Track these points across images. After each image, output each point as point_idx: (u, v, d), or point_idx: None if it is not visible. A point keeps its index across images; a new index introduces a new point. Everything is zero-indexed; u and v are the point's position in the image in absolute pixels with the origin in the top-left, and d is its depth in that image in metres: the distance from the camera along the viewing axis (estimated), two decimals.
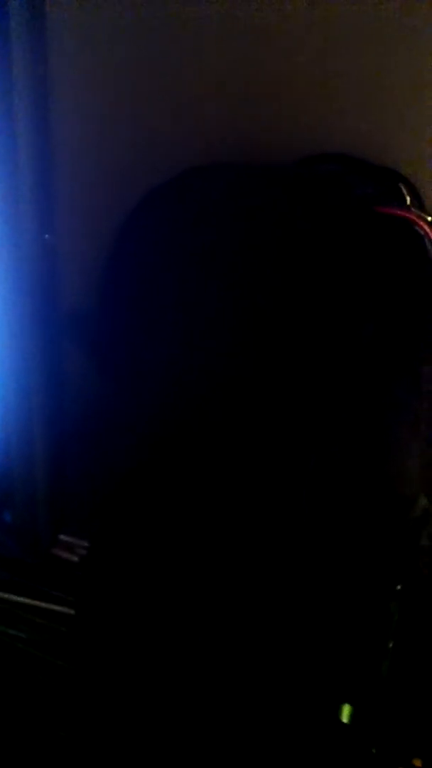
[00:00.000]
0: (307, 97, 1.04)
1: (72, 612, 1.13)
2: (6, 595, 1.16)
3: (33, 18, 1.01)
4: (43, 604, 1.15)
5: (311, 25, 1.01)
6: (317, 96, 1.04)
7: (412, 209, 0.96)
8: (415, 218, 0.93)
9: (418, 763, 0.96)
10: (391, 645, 0.92)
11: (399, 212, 0.93)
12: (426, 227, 0.93)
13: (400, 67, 1.02)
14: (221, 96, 1.05)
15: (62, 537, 1.19)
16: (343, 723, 0.90)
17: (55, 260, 1.13)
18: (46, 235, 1.10)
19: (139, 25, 1.02)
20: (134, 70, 1.05)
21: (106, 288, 1.06)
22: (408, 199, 0.97)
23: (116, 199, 1.04)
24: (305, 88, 1.04)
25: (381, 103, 1.04)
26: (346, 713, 0.90)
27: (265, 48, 1.02)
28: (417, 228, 0.92)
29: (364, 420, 0.86)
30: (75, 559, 1.17)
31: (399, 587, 0.91)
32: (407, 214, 0.93)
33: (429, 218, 0.95)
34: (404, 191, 0.97)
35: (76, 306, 1.13)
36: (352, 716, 0.90)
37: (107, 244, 1.06)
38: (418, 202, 0.98)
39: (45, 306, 1.13)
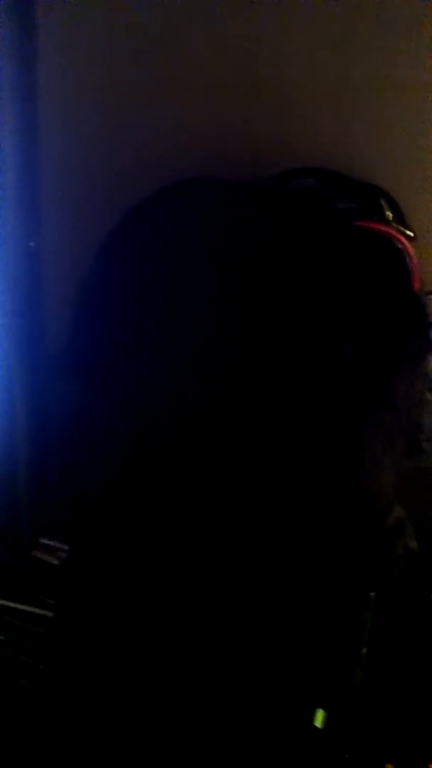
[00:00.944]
0: (288, 110, 1.05)
1: (51, 615, 1.13)
2: None
3: (22, 27, 1.01)
4: (23, 607, 1.15)
5: (294, 37, 1.03)
6: (298, 109, 1.05)
7: (392, 224, 0.97)
8: (394, 233, 0.95)
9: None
10: (364, 651, 0.93)
11: (379, 227, 0.94)
12: (405, 242, 0.94)
13: (381, 80, 1.03)
14: (203, 110, 1.06)
15: (43, 540, 1.19)
16: (316, 728, 0.91)
17: (39, 268, 1.14)
18: (31, 243, 1.11)
19: (125, 43, 1.04)
20: (120, 85, 1.06)
21: (90, 299, 1.07)
22: (389, 214, 0.97)
23: (101, 212, 1.05)
24: (284, 101, 1.05)
25: (362, 116, 1.05)
26: (319, 718, 0.92)
27: (248, 63, 1.04)
28: (396, 243, 0.93)
29: (341, 436, 0.87)
30: (55, 562, 1.18)
31: (372, 595, 0.93)
32: (387, 229, 0.95)
33: (409, 233, 0.97)
34: (384, 206, 0.98)
35: (60, 314, 1.13)
36: (326, 721, 0.92)
37: (92, 257, 1.06)
38: (398, 216, 0.99)
39: (28, 312, 1.13)
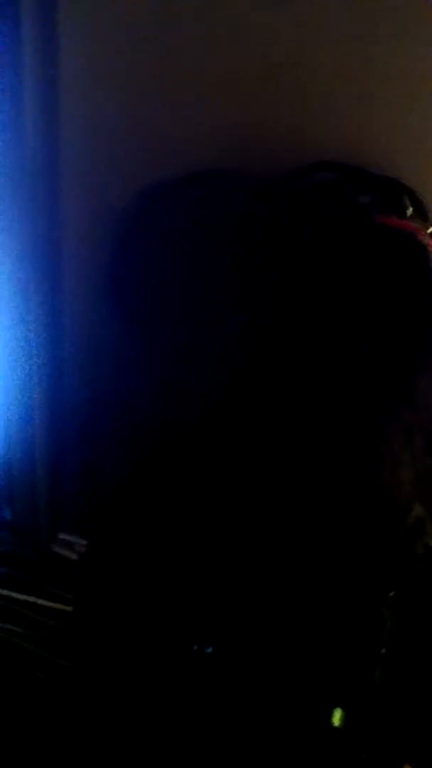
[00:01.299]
0: (309, 102, 1.04)
1: (69, 609, 1.13)
2: (5, 592, 1.17)
3: (45, 24, 1.02)
4: (42, 601, 1.15)
5: (314, 29, 1.02)
6: (319, 102, 1.04)
7: (414, 219, 0.96)
8: (416, 228, 0.94)
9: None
10: (383, 651, 0.92)
11: (399, 222, 0.93)
12: (427, 238, 0.93)
13: (402, 74, 1.02)
14: (221, 101, 1.05)
15: (62, 535, 1.19)
16: (334, 727, 0.91)
17: (60, 256, 1.14)
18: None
19: (144, 41, 1.04)
20: (139, 79, 1.06)
21: (110, 285, 1.07)
22: (410, 209, 0.97)
23: (120, 199, 1.06)
24: (306, 92, 1.04)
25: (385, 111, 1.04)
26: (337, 718, 0.91)
27: (265, 54, 1.03)
28: (418, 238, 0.92)
29: (359, 432, 0.86)
30: (74, 556, 1.18)
31: (391, 594, 0.92)
32: (408, 225, 0.94)
33: (430, 229, 0.96)
34: (406, 201, 0.97)
35: (79, 302, 1.13)
36: (344, 721, 0.91)
37: (112, 243, 1.06)
38: (421, 212, 0.98)
39: (46, 303, 1.13)
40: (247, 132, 1.05)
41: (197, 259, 0.97)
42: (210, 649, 0.95)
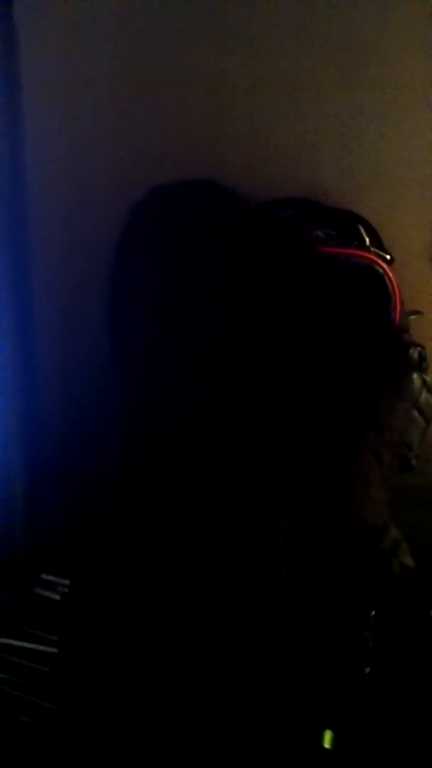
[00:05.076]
0: (268, 138, 1.09)
1: (53, 651, 1.13)
2: None
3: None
4: (26, 644, 1.15)
5: (270, 72, 1.07)
6: (278, 138, 1.09)
7: (371, 249, 0.99)
8: (373, 258, 0.97)
9: None
10: (367, 670, 0.94)
11: (356, 253, 0.97)
12: (384, 266, 0.97)
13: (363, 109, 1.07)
14: (191, 132, 1.10)
15: (44, 576, 1.19)
16: (325, 748, 0.92)
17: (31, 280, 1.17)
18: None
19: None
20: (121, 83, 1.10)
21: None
22: (367, 239, 1.00)
23: (108, 209, 1.10)
24: (265, 129, 1.09)
25: (342, 144, 1.09)
26: (327, 739, 0.92)
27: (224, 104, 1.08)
28: (376, 268, 0.95)
29: (328, 457, 0.89)
30: (56, 597, 1.18)
31: (372, 614, 0.94)
32: (366, 255, 0.97)
33: (387, 257, 1.00)
34: (362, 232, 1.01)
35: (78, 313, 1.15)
36: (334, 741, 0.92)
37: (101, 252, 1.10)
38: (376, 240, 1.02)
39: (20, 345, 1.15)
40: (214, 164, 1.10)
41: (172, 285, 1.00)
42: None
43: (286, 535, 0.88)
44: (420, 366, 0.96)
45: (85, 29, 1.09)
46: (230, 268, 0.99)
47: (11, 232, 1.12)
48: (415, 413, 0.93)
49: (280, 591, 0.90)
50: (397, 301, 0.95)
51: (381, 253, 0.98)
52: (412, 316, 1.00)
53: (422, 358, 0.97)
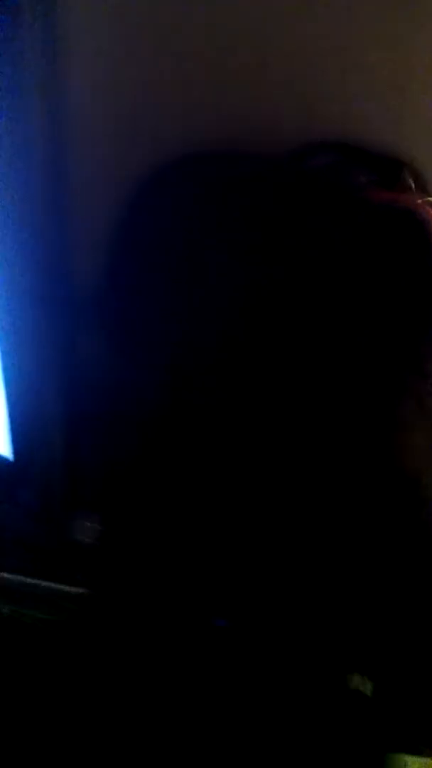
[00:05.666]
0: (309, 79, 1.05)
1: (85, 592, 1.15)
2: (21, 578, 1.18)
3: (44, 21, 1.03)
4: (59, 586, 1.17)
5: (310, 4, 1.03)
6: (318, 79, 1.05)
7: (414, 193, 0.98)
8: (416, 203, 0.95)
9: None
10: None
11: (399, 198, 0.95)
12: (428, 210, 0.95)
13: (403, 50, 1.03)
14: (220, 78, 1.06)
15: (78, 519, 1.21)
16: (358, 692, 0.93)
17: (65, 239, 1.14)
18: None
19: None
20: (138, 59, 1.06)
21: (114, 265, 1.07)
22: (411, 184, 0.98)
23: (121, 179, 1.06)
24: (305, 70, 1.05)
25: (384, 88, 1.06)
26: (358, 683, 0.93)
27: (263, 29, 1.03)
28: (418, 213, 0.94)
29: (372, 403, 0.88)
30: (89, 540, 1.19)
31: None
32: (408, 199, 0.95)
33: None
34: (407, 176, 0.99)
35: (86, 285, 1.13)
36: (361, 685, 0.93)
37: (115, 224, 1.07)
38: (422, 186, 1.00)
39: (55, 287, 1.14)
40: (247, 113, 1.06)
41: (200, 246, 0.98)
42: (223, 623, 0.97)
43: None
44: None
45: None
46: (262, 221, 0.96)
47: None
48: None
49: (321, 535, 0.91)
50: None
51: (426, 197, 0.97)
52: None
53: None
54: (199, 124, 1.07)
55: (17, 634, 1.12)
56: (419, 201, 0.95)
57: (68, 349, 1.16)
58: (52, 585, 1.18)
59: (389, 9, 1.01)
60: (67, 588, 1.17)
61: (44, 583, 1.18)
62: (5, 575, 1.17)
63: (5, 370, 1.14)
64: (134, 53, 1.06)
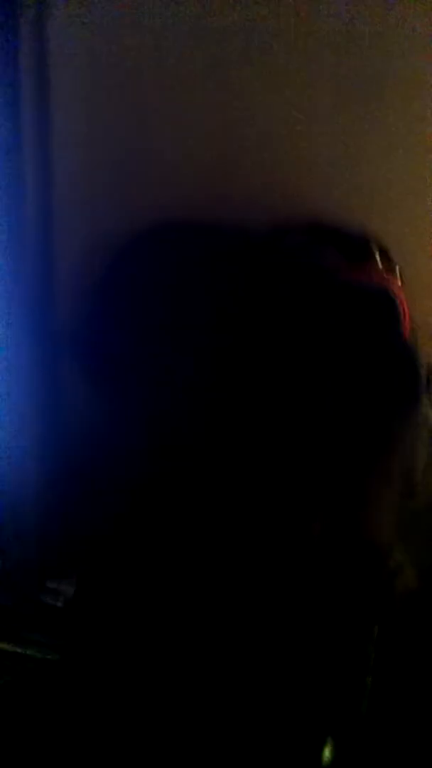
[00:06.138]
0: (284, 165, 1.10)
1: (57, 658, 1.14)
2: None
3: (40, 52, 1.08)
4: (30, 651, 1.16)
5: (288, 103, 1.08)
6: (292, 165, 1.10)
7: (383, 272, 1.01)
8: (386, 282, 0.98)
9: None
10: (369, 683, 0.96)
11: (370, 277, 0.98)
12: (395, 289, 0.98)
13: (365, 141, 1.09)
14: (203, 155, 1.10)
15: (49, 583, 1.20)
16: (324, 761, 0.94)
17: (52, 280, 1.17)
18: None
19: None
20: (123, 130, 1.10)
21: (98, 310, 1.09)
22: (380, 263, 1.01)
23: (102, 242, 1.09)
24: (281, 156, 1.10)
25: (355, 164, 1.10)
26: (327, 752, 0.94)
27: (247, 121, 1.09)
28: (388, 292, 0.97)
29: (346, 480, 0.90)
30: (60, 604, 1.19)
31: (375, 629, 0.96)
32: (379, 279, 0.99)
33: (398, 280, 1.01)
34: (376, 255, 1.02)
35: (72, 327, 1.15)
36: (335, 756, 0.94)
37: (101, 268, 1.09)
38: (389, 264, 1.03)
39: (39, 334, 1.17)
40: (226, 192, 1.10)
41: (177, 309, 1.00)
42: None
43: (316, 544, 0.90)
44: (429, 387, 0.98)
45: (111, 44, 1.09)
46: (239, 293, 0.99)
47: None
48: (423, 438, 0.95)
49: (294, 600, 0.92)
50: (408, 325, 0.97)
51: (393, 276, 1.00)
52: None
53: (429, 381, 0.99)
54: (180, 196, 1.10)
55: None
56: (387, 280, 0.98)
57: (46, 408, 1.17)
58: (24, 651, 1.17)
59: (350, 105, 1.08)
60: (37, 654, 1.17)
61: (15, 649, 1.17)
62: None
63: None
64: (118, 123, 1.10)
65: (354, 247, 1.02)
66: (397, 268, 1.03)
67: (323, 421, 0.91)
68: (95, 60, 1.09)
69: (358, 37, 1.06)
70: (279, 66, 1.07)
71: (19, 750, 1.06)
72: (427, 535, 1.06)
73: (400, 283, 1.00)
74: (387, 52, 1.06)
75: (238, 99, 1.08)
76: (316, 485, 0.90)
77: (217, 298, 0.98)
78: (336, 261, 1.00)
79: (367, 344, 0.93)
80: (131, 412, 1.04)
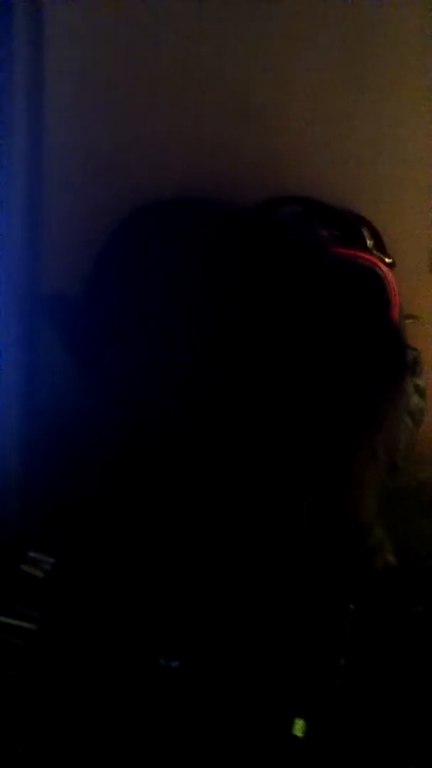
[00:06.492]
0: (277, 139, 1.10)
1: (34, 627, 1.14)
2: None
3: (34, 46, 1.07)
4: (7, 620, 1.16)
5: (283, 72, 1.08)
6: (286, 139, 1.11)
7: (373, 251, 1.01)
8: (375, 260, 0.99)
9: None
10: (343, 661, 0.96)
11: (360, 254, 0.99)
12: (385, 269, 0.99)
13: (365, 115, 1.09)
14: (197, 138, 1.11)
15: (31, 553, 1.20)
16: (296, 737, 0.94)
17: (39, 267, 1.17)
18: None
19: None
20: (123, 103, 1.10)
21: (89, 297, 1.08)
22: (370, 241, 1.02)
23: (101, 207, 1.09)
24: (279, 131, 1.11)
25: (345, 147, 1.11)
26: (299, 727, 0.94)
27: (243, 99, 1.10)
28: (377, 270, 0.97)
29: (331, 455, 0.91)
30: (40, 575, 1.19)
31: (352, 607, 0.96)
32: (367, 256, 0.99)
33: (388, 260, 1.01)
34: (366, 234, 1.02)
35: (57, 303, 1.15)
36: (306, 730, 0.94)
37: (92, 255, 1.09)
38: (379, 244, 1.04)
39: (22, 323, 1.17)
40: (223, 163, 1.10)
41: (169, 285, 1.00)
42: (176, 664, 0.98)
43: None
44: (414, 369, 0.98)
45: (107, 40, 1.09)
46: (229, 267, 0.99)
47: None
48: (406, 415, 0.96)
49: (271, 575, 0.92)
50: (396, 305, 0.97)
51: (382, 256, 1.01)
52: (408, 320, 1.02)
53: (416, 362, 1.00)
54: (174, 172, 1.11)
55: None
56: (377, 259, 0.99)
57: (31, 382, 1.17)
58: (3, 619, 1.17)
59: (345, 90, 1.09)
60: (15, 622, 1.17)
61: None
62: None
63: None
64: (114, 99, 1.10)
65: (344, 225, 1.03)
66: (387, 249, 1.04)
67: (310, 396, 0.91)
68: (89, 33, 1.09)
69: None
70: (275, 43, 1.08)
71: None
72: (406, 515, 1.07)
73: (390, 263, 1.01)
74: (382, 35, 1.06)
75: (234, 73, 1.08)
76: (305, 462, 0.90)
77: (206, 272, 0.98)
78: (326, 236, 1.00)
79: (355, 322, 0.93)
80: (117, 387, 1.04)
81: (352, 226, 1.03)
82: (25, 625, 1.17)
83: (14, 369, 1.16)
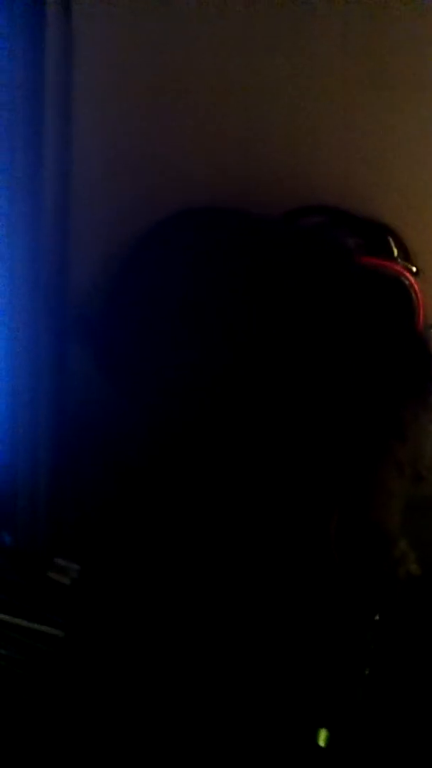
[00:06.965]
0: (300, 148, 1.11)
1: (61, 633, 1.15)
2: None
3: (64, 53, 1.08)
4: (35, 625, 1.17)
5: (308, 80, 1.09)
6: (310, 148, 1.11)
7: (399, 260, 1.01)
8: (401, 269, 0.99)
9: None
10: (367, 671, 0.96)
11: (386, 264, 0.98)
12: (411, 278, 0.99)
13: (385, 129, 1.09)
14: (223, 139, 1.11)
15: (57, 560, 1.21)
16: (319, 746, 0.94)
17: (68, 273, 1.18)
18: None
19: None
20: (141, 117, 1.11)
21: (113, 299, 1.09)
22: (395, 251, 1.01)
23: (121, 229, 1.10)
24: (301, 141, 1.11)
25: (369, 156, 1.10)
26: (323, 737, 0.94)
27: (267, 108, 1.10)
28: (403, 279, 0.97)
29: (357, 467, 0.90)
30: (67, 581, 1.20)
31: (376, 618, 0.96)
32: (394, 266, 0.99)
33: (413, 269, 1.01)
34: (391, 243, 1.02)
35: (84, 314, 1.16)
36: (329, 740, 0.94)
37: (118, 259, 1.09)
38: (404, 253, 1.03)
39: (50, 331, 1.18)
40: (247, 174, 1.11)
41: (195, 294, 1.01)
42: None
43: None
44: None
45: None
46: (256, 277, 0.99)
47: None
48: (430, 426, 0.95)
49: (299, 586, 0.92)
50: (421, 314, 0.97)
51: (408, 265, 1.00)
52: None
53: None
54: (200, 182, 1.12)
55: None
56: (403, 268, 0.98)
57: (59, 391, 1.19)
58: (27, 624, 1.18)
59: (373, 98, 1.09)
60: (42, 628, 1.17)
61: (21, 622, 1.18)
62: None
63: None
64: (138, 111, 1.11)
65: (369, 234, 1.02)
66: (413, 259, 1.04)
67: (336, 406, 0.91)
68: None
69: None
70: (303, 49, 1.08)
71: (21, 723, 1.07)
72: (430, 524, 1.06)
73: (415, 272, 1.00)
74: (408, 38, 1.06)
75: (259, 84, 1.09)
76: (331, 473, 0.90)
77: (232, 282, 0.98)
78: (352, 245, 1.00)
79: (382, 333, 0.93)
80: (142, 396, 1.05)
81: (377, 235, 1.02)
82: (52, 631, 1.17)
83: (41, 381, 1.18)
